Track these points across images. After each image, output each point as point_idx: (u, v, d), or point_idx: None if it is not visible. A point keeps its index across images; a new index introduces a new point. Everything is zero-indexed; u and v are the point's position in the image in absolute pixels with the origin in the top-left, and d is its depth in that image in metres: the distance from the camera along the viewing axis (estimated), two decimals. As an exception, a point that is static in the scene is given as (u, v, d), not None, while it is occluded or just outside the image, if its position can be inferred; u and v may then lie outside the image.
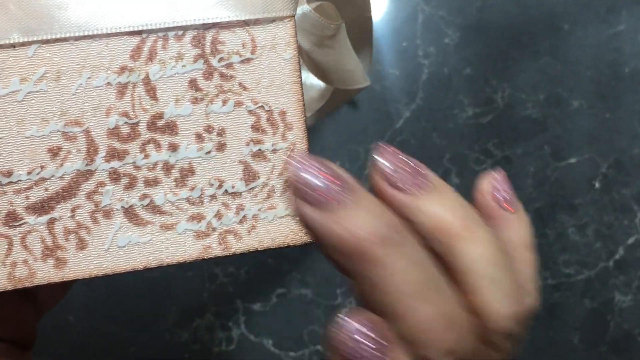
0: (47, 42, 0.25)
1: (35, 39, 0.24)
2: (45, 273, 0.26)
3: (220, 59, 0.26)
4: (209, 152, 0.27)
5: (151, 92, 0.26)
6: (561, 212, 0.59)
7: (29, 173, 0.25)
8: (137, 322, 0.57)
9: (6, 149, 0.25)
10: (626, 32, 0.58)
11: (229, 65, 0.27)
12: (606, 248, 0.59)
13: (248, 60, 0.27)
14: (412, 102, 0.58)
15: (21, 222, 0.25)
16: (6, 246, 0.25)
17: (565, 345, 0.60)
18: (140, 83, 0.26)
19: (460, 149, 0.58)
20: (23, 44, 0.24)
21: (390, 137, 0.58)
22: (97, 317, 0.57)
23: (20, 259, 0.26)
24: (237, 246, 0.27)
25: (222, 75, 0.27)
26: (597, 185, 0.59)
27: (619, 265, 0.59)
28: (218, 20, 0.26)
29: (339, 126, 0.58)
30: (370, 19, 0.36)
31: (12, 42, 0.24)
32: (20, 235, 0.25)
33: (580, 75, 0.59)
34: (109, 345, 0.57)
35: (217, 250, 0.27)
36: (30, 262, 0.26)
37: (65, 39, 0.25)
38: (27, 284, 0.26)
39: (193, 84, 0.26)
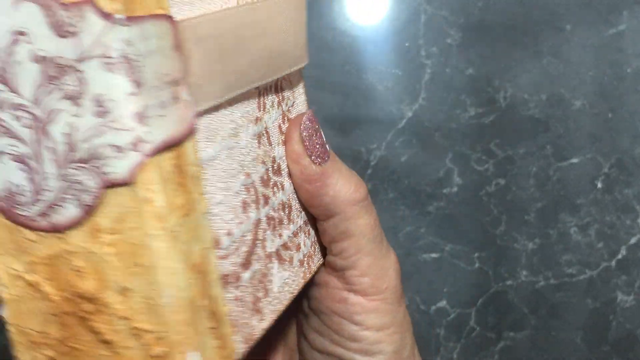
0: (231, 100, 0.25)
1: (227, 97, 0.25)
2: (256, 328, 0.26)
3: (285, 104, 0.29)
4: (293, 187, 0.29)
5: (268, 138, 0.28)
6: (563, 212, 0.59)
7: (238, 230, 0.25)
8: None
9: (222, 210, 0.25)
10: (628, 32, 0.59)
11: (289, 110, 0.29)
12: (608, 248, 0.59)
13: (293, 103, 0.30)
14: (415, 102, 0.58)
15: (239, 282, 0.25)
16: (240, 308, 0.25)
17: (568, 344, 0.60)
18: (264, 132, 0.27)
19: (462, 149, 0.58)
20: (225, 104, 0.25)
21: (393, 137, 0.58)
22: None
23: (243, 321, 0.26)
24: (312, 268, 0.30)
25: (285, 117, 0.29)
26: (599, 185, 0.59)
27: (621, 265, 0.59)
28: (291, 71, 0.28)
29: (342, 126, 0.58)
30: None
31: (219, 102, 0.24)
32: (237, 296, 0.26)
33: (582, 75, 0.59)
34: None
35: (308, 274, 0.30)
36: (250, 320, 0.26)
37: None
38: (252, 343, 0.26)
39: (280, 128, 0.28)
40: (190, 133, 0.23)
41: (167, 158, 0.22)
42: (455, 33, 0.59)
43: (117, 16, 0.21)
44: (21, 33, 0.21)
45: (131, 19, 0.21)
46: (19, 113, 0.21)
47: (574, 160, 0.59)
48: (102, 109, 0.22)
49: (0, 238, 0.23)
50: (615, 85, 0.59)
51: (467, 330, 0.59)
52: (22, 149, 0.22)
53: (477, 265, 0.59)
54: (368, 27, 0.58)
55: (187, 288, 0.23)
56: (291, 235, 0.28)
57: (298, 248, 0.29)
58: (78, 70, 0.21)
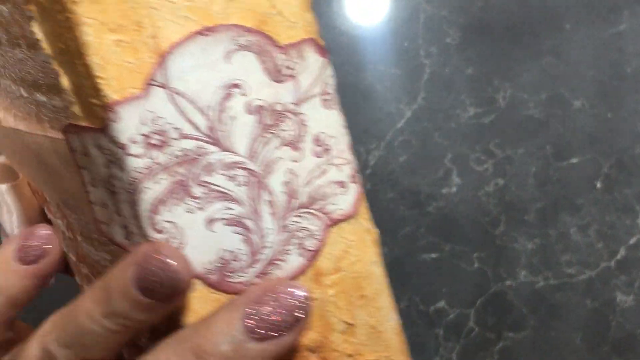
0: None
1: None
2: None
3: None
4: None
5: None
6: (563, 212, 0.59)
7: None
8: (139, 322, 0.57)
9: None
10: (628, 32, 0.58)
11: None
12: (608, 248, 0.59)
13: None
14: (414, 102, 0.58)
15: None
16: None
17: (567, 345, 0.60)
18: None
19: (461, 149, 0.58)
20: None
21: (392, 137, 0.58)
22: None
23: None
24: None
25: None
26: (599, 185, 0.59)
27: (620, 265, 0.59)
28: None
29: (341, 126, 0.58)
30: None
31: None
32: None
33: (582, 75, 0.59)
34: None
35: None
36: None
37: None
38: None
39: None
40: None
41: None
42: (454, 33, 0.59)
43: (327, 52, 0.21)
44: (235, 85, 0.20)
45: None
46: (234, 172, 0.20)
47: (574, 160, 0.59)
48: (322, 148, 0.21)
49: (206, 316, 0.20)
50: (615, 85, 0.59)
51: (467, 331, 0.59)
52: (237, 210, 0.20)
53: (476, 265, 0.59)
54: (367, 26, 0.58)
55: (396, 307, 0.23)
56: None
57: None
58: (297, 113, 0.21)
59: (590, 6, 0.59)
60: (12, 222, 0.28)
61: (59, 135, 0.22)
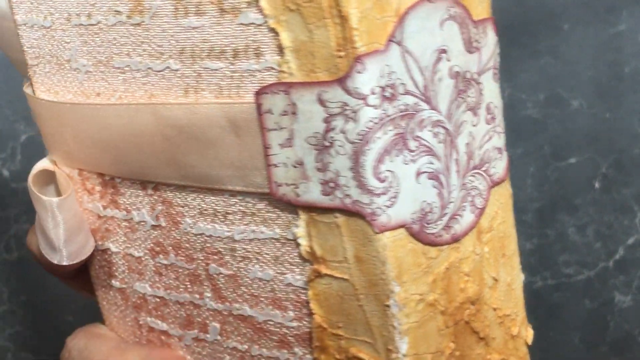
0: None
1: None
2: None
3: None
4: None
5: None
6: (561, 212, 0.59)
7: None
8: (137, 322, 0.57)
9: None
10: (626, 32, 0.58)
11: None
12: (606, 248, 0.59)
13: None
14: (412, 102, 0.58)
15: None
16: None
17: (566, 345, 0.60)
18: None
19: (460, 149, 0.58)
20: None
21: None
22: (97, 317, 0.57)
23: None
24: None
25: None
26: (597, 185, 0.59)
27: (619, 266, 0.59)
28: None
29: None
30: None
31: None
32: None
33: (580, 75, 0.59)
34: (108, 345, 0.57)
35: None
36: None
37: None
38: None
39: None
40: None
41: None
42: (453, 33, 0.59)
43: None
44: (443, 51, 0.22)
45: None
46: (437, 129, 0.22)
47: (572, 160, 0.59)
48: (491, 116, 0.24)
49: (405, 265, 0.22)
50: (614, 85, 0.59)
51: (465, 331, 0.59)
52: (436, 165, 0.22)
53: (474, 265, 0.59)
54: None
55: None
56: None
57: None
58: (478, 83, 0.23)
59: (589, 6, 0.59)
60: (59, 235, 0.30)
61: (235, 100, 0.23)
